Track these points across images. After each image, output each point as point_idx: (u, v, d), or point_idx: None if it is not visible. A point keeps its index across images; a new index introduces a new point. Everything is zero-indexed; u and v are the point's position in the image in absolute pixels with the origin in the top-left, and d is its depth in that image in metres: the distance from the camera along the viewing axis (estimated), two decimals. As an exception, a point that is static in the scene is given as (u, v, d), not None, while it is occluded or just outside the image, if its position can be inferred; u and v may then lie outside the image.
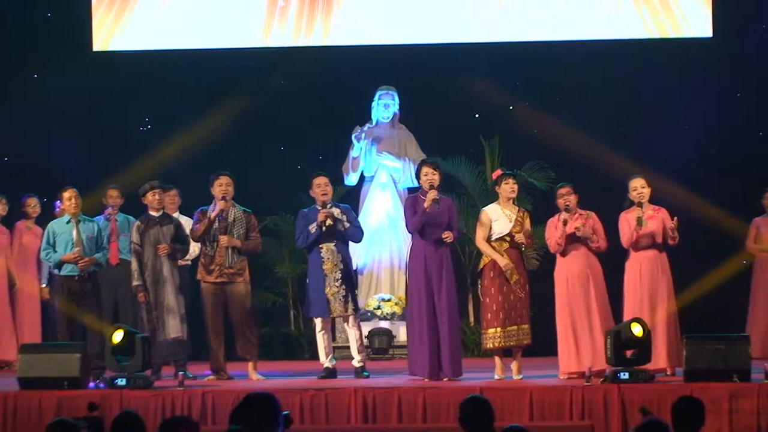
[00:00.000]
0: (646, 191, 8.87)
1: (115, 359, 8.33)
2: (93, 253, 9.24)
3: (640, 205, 8.81)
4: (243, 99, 12.69)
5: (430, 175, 8.77)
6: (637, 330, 8.09)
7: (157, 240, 9.27)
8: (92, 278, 9.27)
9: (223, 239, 9.11)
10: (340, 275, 9.07)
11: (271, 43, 12.90)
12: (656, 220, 8.86)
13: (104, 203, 10.46)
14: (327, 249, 9.07)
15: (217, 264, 9.14)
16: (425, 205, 8.62)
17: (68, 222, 9.34)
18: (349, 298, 9.12)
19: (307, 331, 12.64)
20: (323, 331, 9.15)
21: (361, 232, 9.33)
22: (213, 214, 9.12)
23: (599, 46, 12.60)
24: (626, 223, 8.85)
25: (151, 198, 9.37)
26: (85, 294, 9.18)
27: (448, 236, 8.63)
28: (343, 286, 9.08)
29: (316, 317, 9.19)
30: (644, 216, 8.77)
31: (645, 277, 8.79)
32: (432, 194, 8.65)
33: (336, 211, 9.14)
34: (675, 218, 8.76)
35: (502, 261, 8.54)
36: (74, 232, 9.24)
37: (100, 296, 9.38)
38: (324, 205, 9.09)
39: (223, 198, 9.16)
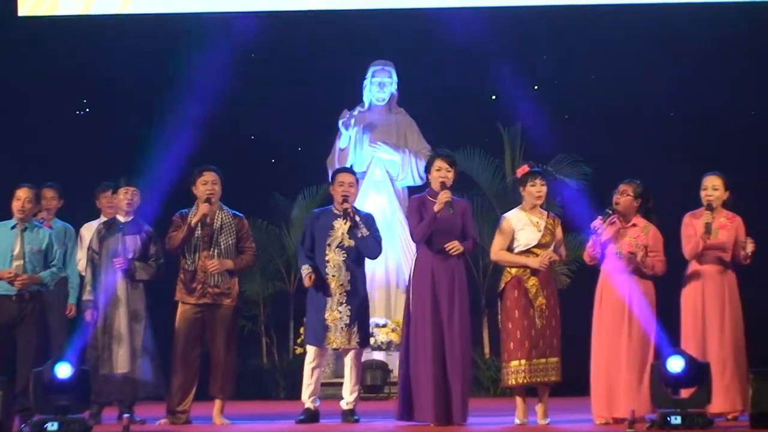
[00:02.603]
0: (718, 194, 8.80)
1: (46, 398, 8.25)
2: (38, 268, 9.18)
3: (710, 208, 8.78)
4: (201, 75, 12.68)
5: (444, 171, 8.66)
6: (674, 364, 8.10)
7: (114, 251, 9.21)
8: (35, 299, 9.13)
9: (213, 264, 9.00)
10: (345, 298, 9.00)
11: (237, 7, 12.91)
12: (729, 230, 8.83)
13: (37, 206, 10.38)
14: (334, 264, 8.99)
15: (200, 281, 9.03)
16: (435, 208, 8.58)
17: (13, 228, 9.34)
18: (355, 328, 9.01)
19: (282, 364, 12.64)
20: (314, 364, 9.11)
21: (380, 247, 9.24)
22: (194, 220, 9.06)
23: (648, 9, 12.66)
24: (692, 228, 8.79)
25: (122, 197, 9.30)
26: (24, 318, 9.13)
27: (453, 247, 8.64)
28: (349, 312, 9.01)
29: (310, 346, 9.12)
30: (715, 223, 8.76)
31: (709, 298, 8.76)
32: (444, 195, 8.54)
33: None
34: (750, 242, 8.71)
35: (535, 261, 8.50)
36: (16, 243, 9.21)
37: (42, 322, 9.30)
38: (344, 202, 8.99)
39: (208, 200, 9.10)
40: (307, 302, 9.10)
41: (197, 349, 9.09)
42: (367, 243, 9.05)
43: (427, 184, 8.89)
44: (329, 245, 9.00)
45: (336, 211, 9.09)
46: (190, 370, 9.05)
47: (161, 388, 9.29)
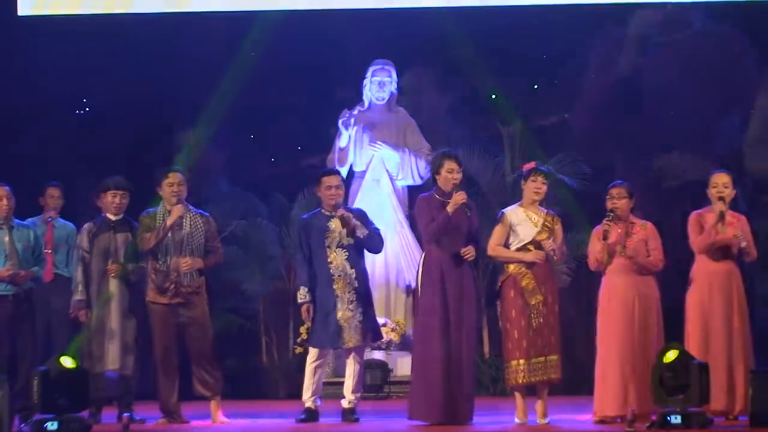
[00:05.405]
0: (729, 191, 8.90)
1: (47, 397, 8.24)
2: (30, 265, 9.23)
3: (722, 199, 8.86)
4: (201, 74, 12.69)
5: (456, 173, 8.66)
6: (671, 355, 8.10)
7: (107, 248, 9.23)
8: (28, 298, 9.22)
9: (186, 263, 9.05)
10: (354, 296, 8.98)
11: (238, 6, 12.91)
12: (735, 228, 8.87)
13: (42, 205, 10.41)
14: (337, 264, 8.97)
15: (172, 282, 9.09)
16: (449, 208, 8.55)
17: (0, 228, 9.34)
18: (368, 325, 9.04)
19: (281, 364, 12.65)
20: (318, 363, 9.08)
21: (382, 240, 9.28)
22: (169, 222, 9.12)
23: (649, 9, 12.65)
24: (697, 223, 8.85)
25: (111, 199, 9.32)
26: (21, 317, 9.17)
27: (470, 254, 8.58)
28: (360, 310, 8.98)
29: (321, 348, 9.07)
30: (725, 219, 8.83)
31: (716, 295, 8.80)
32: (461, 196, 8.56)
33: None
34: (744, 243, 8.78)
35: (531, 256, 8.51)
36: (7, 241, 9.23)
37: (35, 320, 9.34)
38: (336, 208, 8.97)
39: (180, 201, 9.13)
40: (315, 306, 9.01)
41: (175, 347, 9.13)
42: (373, 239, 9.08)
43: (432, 183, 8.86)
44: (329, 247, 8.98)
45: (326, 212, 9.06)
46: (170, 370, 9.09)
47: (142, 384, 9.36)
